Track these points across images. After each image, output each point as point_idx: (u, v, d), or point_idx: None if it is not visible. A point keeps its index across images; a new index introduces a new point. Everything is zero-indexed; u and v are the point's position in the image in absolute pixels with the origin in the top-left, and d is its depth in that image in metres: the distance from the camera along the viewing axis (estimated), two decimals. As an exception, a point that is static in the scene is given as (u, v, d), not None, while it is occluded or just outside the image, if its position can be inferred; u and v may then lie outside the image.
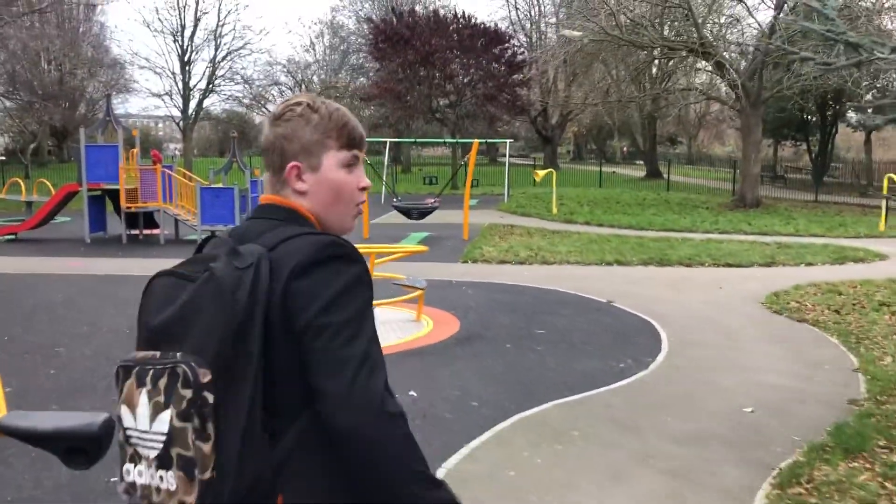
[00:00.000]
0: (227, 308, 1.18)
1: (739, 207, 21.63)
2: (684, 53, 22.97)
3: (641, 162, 50.17)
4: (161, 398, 1.19)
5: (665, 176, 37.00)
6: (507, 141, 26.47)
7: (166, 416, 1.18)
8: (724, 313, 8.35)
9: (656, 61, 30.91)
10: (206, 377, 1.16)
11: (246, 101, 45.59)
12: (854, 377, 5.97)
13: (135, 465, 1.23)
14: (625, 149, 65.92)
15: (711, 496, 3.94)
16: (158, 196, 14.53)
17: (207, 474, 1.15)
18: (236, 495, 1.17)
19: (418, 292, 7.77)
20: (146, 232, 15.57)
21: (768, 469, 4.21)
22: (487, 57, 31.84)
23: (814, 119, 33.18)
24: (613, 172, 40.53)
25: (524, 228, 16.75)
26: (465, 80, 32.34)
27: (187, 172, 17.10)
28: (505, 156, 29.32)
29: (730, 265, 11.82)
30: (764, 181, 26.78)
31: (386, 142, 26.07)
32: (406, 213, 16.44)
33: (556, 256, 12.49)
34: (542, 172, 20.20)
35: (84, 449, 1.40)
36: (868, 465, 4.19)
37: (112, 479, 3.79)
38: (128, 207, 14.61)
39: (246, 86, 43.96)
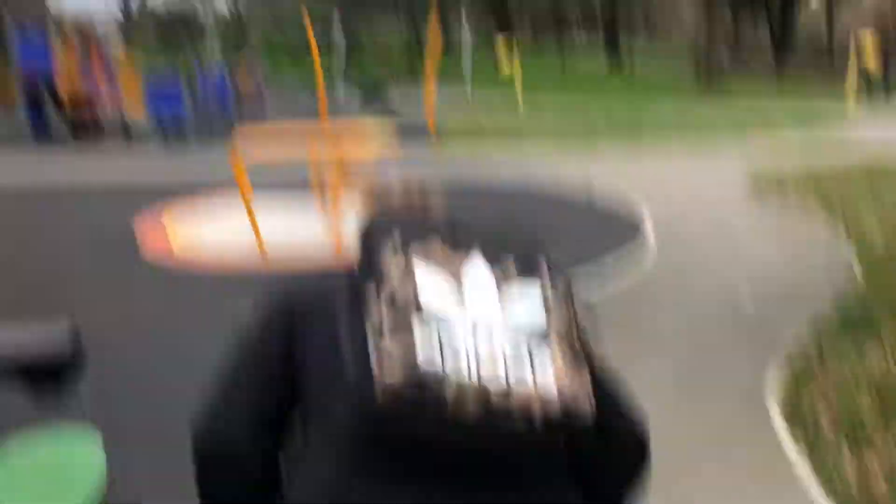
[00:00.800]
0: None
1: (707, 93, 21.33)
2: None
3: (600, 46, 49.19)
4: (513, 272, 0.96)
5: (626, 61, 36.39)
6: (466, 24, 25.37)
7: (536, 291, 0.96)
8: (711, 191, 8.30)
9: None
10: (562, 282, 1.00)
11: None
12: (848, 260, 5.86)
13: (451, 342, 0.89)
14: (583, 35, 64.32)
15: (726, 386, 3.79)
16: (101, 88, 13.59)
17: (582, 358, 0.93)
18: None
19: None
20: (89, 128, 14.67)
21: (779, 355, 4.07)
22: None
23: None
24: (574, 60, 39.58)
25: (490, 122, 16.23)
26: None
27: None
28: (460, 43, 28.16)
29: (706, 152, 11.66)
30: (725, 57, 26.36)
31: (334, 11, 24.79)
32: (368, 104, 15.70)
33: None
34: (506, 62, 19.45)
35: (51, 371, 1.08)
36: (878, 347, 4.07)
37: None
38: (68, 102, 13.66)
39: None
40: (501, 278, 0.95)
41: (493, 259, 0.96)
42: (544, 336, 0.91)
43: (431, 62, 15.02)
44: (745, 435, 3.32)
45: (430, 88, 15.24)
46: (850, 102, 15.90)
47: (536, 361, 0.88)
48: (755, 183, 8.83)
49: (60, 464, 3.11)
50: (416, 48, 24.17)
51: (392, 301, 0.90)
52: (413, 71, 24.13)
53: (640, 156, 11.21)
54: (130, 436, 3.46)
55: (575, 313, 0.96)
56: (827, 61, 28.84)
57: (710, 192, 8.50)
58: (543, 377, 0.87)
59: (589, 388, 0.90)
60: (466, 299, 0.91)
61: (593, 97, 20.43)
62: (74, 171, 10.75)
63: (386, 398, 0.86)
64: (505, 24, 40.60)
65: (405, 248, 0.95)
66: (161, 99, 13.26)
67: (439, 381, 0.86)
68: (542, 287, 0.95)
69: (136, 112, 13.55)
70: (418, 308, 0.89)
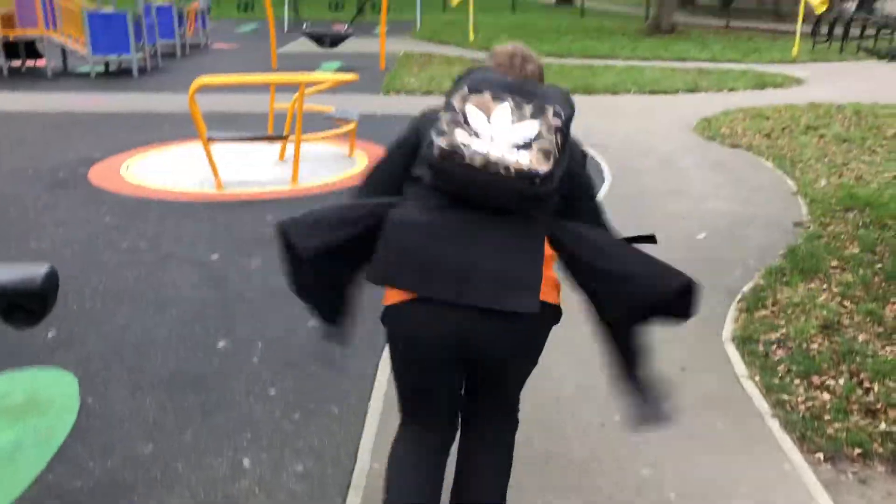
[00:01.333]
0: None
1: (655, 34, 21.35)
2: None
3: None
4: (527, 114, 1.78)
5: (577, 2, 36.13)
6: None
7: (534, 126, 1.77)
8: (658, 140, 8.29)
9: None
10: (561, 120, 1.80)
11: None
12: (794, 200, 6.06)
13: (470, 138, 1.76)
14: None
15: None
16: (39, 21, 12.99)
17: (554, 158, 1.76)
18: (559, 181, 1.81)
19: (351, 125, 7.31)
20: (29, 63, 14.05)
21: (732, 294, 4.25)
22: None
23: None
24: (524, -2, 39.21)
25: (443, 57, 16.03)
26: None
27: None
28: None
29: (655, 92, 11.71)
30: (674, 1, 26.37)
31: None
32: (318, 40, 15.42)
33: (481, 85, 12.04)
34: (457, -4, 19.16)
35: (26, 306, 1.20)
36: (825, 286, 4.27)
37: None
38: (4, 35, 13.03)
39: None
40: (517, 117, 1.77)
41: (517, 105, 1.78)
42: (528, 146, 1.74)
43: (385, 3, 14.73)
44: (700, 364, 3.49)
45: (383, 26, 14.97)
46: (795, 51, 16.16)
47: (520, 154, 1.73)
48: (704, 122, 8.98)
49: (36, 403, 3.15)
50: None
51: (452, 119, 1.78)
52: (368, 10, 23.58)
53: (590, 87, 11.29)
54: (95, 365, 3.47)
55: (559, 139, 1.78)
56: (773, 10, 29.21)
57: (659, 128, 8.62)
58: (520, 160, 1.73)
59: (547, 168, 1.75)
60: (492, 124, 1.75)
61: (545, 36, 20.32)
62: (14, 102, 10.33)
63: (439, 155, 1.76)
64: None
65: (465, 95, 1.80)
66: (104, 35, 12.69)
67: (465, 151, 1.74)
68: (541, 123, 1.76)
69: (80, 46, 12.97)
70: (465, 122, 1.76)
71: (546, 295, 1.86)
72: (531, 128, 1.76)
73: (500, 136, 1.75)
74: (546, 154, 1.75)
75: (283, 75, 8.79)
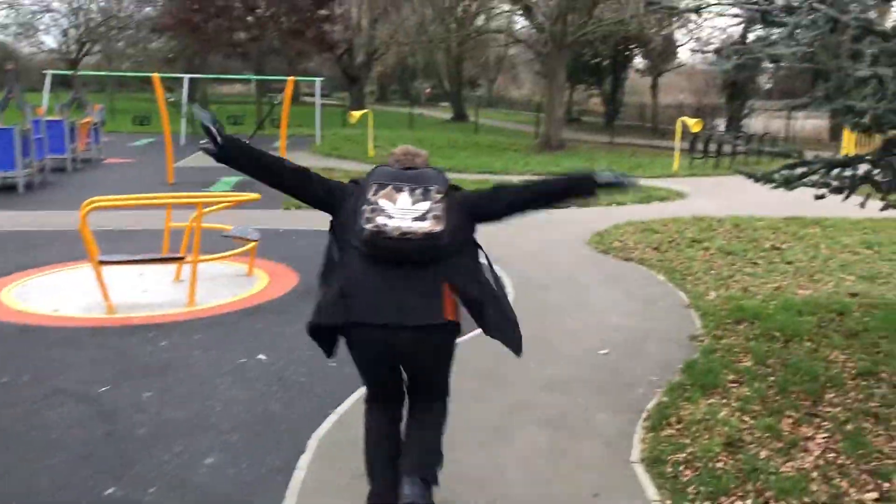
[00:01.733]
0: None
1: (546, 150, 22.48)
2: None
3: (446, 104, 50.84)
4: (420, 196, 2.76)
5: (471, 118, 37.79)
6: (319, 79, 25.49)
7: (426, 204, 2.74)
8: (556, 254, 8.55)
9: (458, 3, 31.05)
10: (440, 194, 2.79)
11: (12, 28, 40.37)
12: (687, 313, 6.31)
13: (387, 220, 2.71)
14: (428, 90, 66.46)
15: (591, 444, 3.94)
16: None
17: (444, 220, 2.73)
18: (449, 238, 2.78)
19: (251, 245, 7.20)
20: None
21: (637, 412, 4.30)
22: (291, -12, 30.32)
23: (605, 64, 35.11)
24: (421, 114, 40.71)
25: (343, 171, 16.23)
26: (268, 14, 30.64)
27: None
28: (310, 95, 28.29)
29: (550, 206, 12.18)
30: (562, 120, 27.99)
31: (184, 77, 24.16)
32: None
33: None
34: (357, 113, 19.64)
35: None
36: (724, 401, 4.40)
37: None
38: None
39: (11, 10, 38.85)
40: (413, 199, 2.71)
41: (412, 191, 2.73)
42: (425, 217, 2.68)
43: (285, 114, 14.93)
44: (612, 489, 3.48)
45: (283, 140, 15.10)
46: (675, 166, 17.31)
47: (422, 224, 2.68)
48: (597, 236, 9.36)
49: None
50: (268, 105, 24.04)
51: (372, 210, 2.71)
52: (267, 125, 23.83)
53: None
54: None
55: (444, 205, 2.74)
56: (651, 128, 31.44)
57: (556, 241, 8.92)
58: (423, 227, 2.68)
59: (441, 227, 2.72)
60: (398, 207, 2.69)
61: (442, 152, 21.03)
62: None
63: (367, 236, 2.70)
64: (354, 79, 41.12)
65: (375, 191, 2.75)
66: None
67: (385, 229, 2.68)
68: (430, 199, 2.72)
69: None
70: (381, 210, 2.70)
71: (448, 315, 2.84)
72: (424, 205, 2.76)
73: (404, 213, 2.73)
74: (437, 219, 2.75)
75: (180, 195, 8.64)
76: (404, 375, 3.06)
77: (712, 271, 7.70)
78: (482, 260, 3.01)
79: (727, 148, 19.03)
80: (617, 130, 28.82)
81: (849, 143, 21.24)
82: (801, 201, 13.50)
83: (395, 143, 15.53)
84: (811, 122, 29.77)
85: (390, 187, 2.76)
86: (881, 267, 7.95)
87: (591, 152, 22.29)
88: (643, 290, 7.03)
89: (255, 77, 24.44)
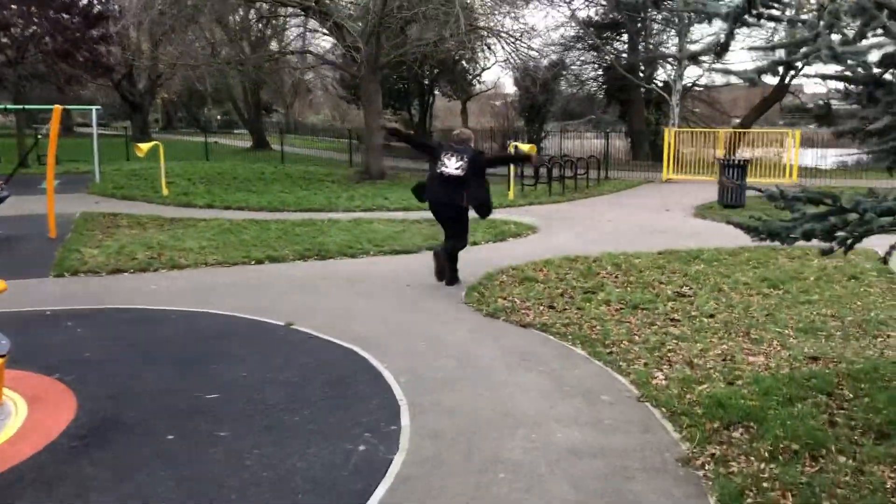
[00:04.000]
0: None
1: (366, 179, 20.64)
2: (297, 10, 21.00)
3: (242, 131, 47.56)
4: (457, 159, 7.89)
5: (273, 146, 35.24)
6: (95, 108, 21.91)
7: (460, 163, 7.83)
8: (436, 326, 6.68)
9: (256, 22, 28.54)
10: (467, 159, 7.93)
11: None
12: (647, 413, 4.68)
13: (443, 167, 7.93)
14: (218, 117, 62.46)
15: None
16: None
17: (464, 170, 7.86)
18: (467, 176, 7.90)
19: (-4, 360, 4.65)
20: None
21: None
22: (55, 5, 26.17)
23: (412, 87, 34.01)
24: (216, 143, 37.40)
25: (133, 217, 13.34)
26: (28, 33, 26.26)
27: None
28: (86, 125, 24.45)
29: (396, 252, 10.31)
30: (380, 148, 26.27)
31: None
32: (-42, 205, 11.92)
33: (189, 256, 9.70)
34: (145, 146, 16.64)
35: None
36: None
37: None
38: None
39: None
40: (455, 159, 7.89)
41: (454, 155, 7.92)
42: (463, 168, 7.82)
43: (52, 149, 11.87)
44: None
45: (51, 181, 12.01)
46: (511, 195, 16.17)
47: (459, 171, 7.84)
48: (474, 292, 7.64)
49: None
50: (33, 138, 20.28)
51: (441, 161, 8.01)
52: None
53: (324, 249, 9.58)
54: None
55: (474, 168, 7.88)
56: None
57: (424, 302, 7.10)
58: (456, 172, 7.86)
59: (462, 173, 7.84)
60: (449, 163, 7.90)
61: (251, 186, 18.51)
62: None
63: (440, 170, 8.01)
64: (136, 106, 37.05)
65: (443, 153, 8.08)
66: None
67: (443, 170, 7.93)
68: (465, 161, 7.83)
69: None
70: (444, 162, 7.97)
71: (461, 202, 7.91)
72: (460, 163, 7.78)
73: (451, 165, 7.79)
74: (462, 169, 7.73)
75: None
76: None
77: (635, 336, 6.19)
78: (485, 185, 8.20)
79: (555, 173, 18.26)
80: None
81: (668, 166, 21.40)
82: (650, 228, 12.66)
83: (192, 179, 12.80)
84: (600, 142, 30.16)
85: (448, 152, 7.94)
86: (806, 313, 6.87)
87: (415, 181, 20.69)
88: (571, 376, 5.33)
89: (12, 107, 20.43)
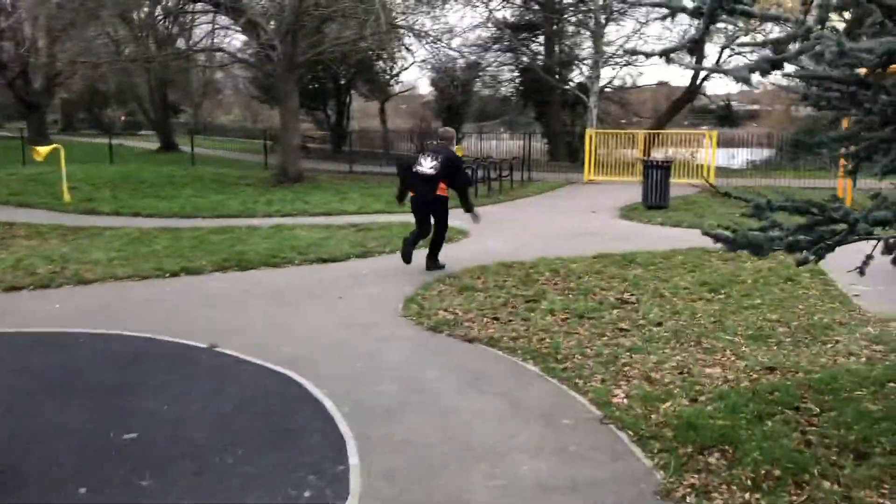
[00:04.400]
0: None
1: (283, 182, 19.86)
2: (207, 6, 20.04)
3: (148, 132, 45.59)
4: (432, 160, 8.93)
5: (182, 148, 33.90)
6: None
7: (434, 163, 8.86)
8: (373, 342, 6.22)
9: (163, 19, 27.22)
10: (440, 159, 9.00)
11: None
12: (612, 436, 4.36)
13: (419, 167, 9.00)
14: (122, 117, 59.78)
15: None
16: None
17: (437, 170, 8.98)
18: (439, 174, 8.93)
19: None
20: None
21: None
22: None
23: (329, 87, 33.22)
24: (121, 145, 35.61)
25: (31, 227, 12.28)
26: None
27: None
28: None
29: (324, 260, 9.77)
30: (297, 150, 25.44)
31: None
32: None
33: (97, 269, 8.89)
34: (44, 149, 15.45)
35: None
36: None
37: None
38: None
39: None
40: (430, 159, 8.93)
41: (430, 155, 9.02)
42: (436, 168, 8.83)
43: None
44: None
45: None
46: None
47: (432, 170, 8.85)
48: (412, 303, 7.22)
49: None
50: None
51: (418, 162, 9.12)
52: None
53: (244, 259, 8.97)
54: None
55: (446, 167, 8.85)
56: (384, 154, 30.06)
57: (358, 315, 6.63)
58: (430, 170, 8.87)
59: (435, 172, 8.86)
60: (424, 163, 8.93)
61: (160, 191, 17.52)
62: None
63: (416, 171, 9.05)
64: (32, 106, 34.93)
65: (421, 155, 9.37)
66: None
67: (419, 169, 8.97)
68: (438, 162, 8.85)
69: None
70: (420, 163, 9.05)
71: (440, 192, 8.95)
72: (433, 163, 8.81)
73: (426, 165, 8.83)
74: (435, 168, 8.76)
75: None
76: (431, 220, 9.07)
77: (586, 349, 5.89)
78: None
79: (479, 175, 17.99)
80: (348, 157, 26.87)
81: (590, 167, 21.50)
82: (579, 231, 12.58)
83: (95, 184, 11.73)
84: (516, 143, 30.15)
85: (426, 154, 9.08)
86: (752, 319, 6.75)
87: (335, 184, 20.08)
88: (527, 397, 4.97)
89: None
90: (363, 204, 15.42)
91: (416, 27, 20.31)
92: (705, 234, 3.63)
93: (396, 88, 35.60)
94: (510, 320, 6.74)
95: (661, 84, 44.99)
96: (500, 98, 38.64)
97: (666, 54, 3.63)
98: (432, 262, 9.07)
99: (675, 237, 11.38)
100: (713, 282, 8.08)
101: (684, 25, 25.02)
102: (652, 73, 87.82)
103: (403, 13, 21.33)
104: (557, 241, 11.12)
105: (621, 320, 6.71)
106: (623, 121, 36.17)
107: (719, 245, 3.72)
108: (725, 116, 42.91)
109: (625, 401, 4.83)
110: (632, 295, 7.65)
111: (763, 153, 28.57)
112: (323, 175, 22.62)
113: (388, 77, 33.02)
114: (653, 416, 4.55)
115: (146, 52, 24.88)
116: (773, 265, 8.90)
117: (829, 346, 6.02)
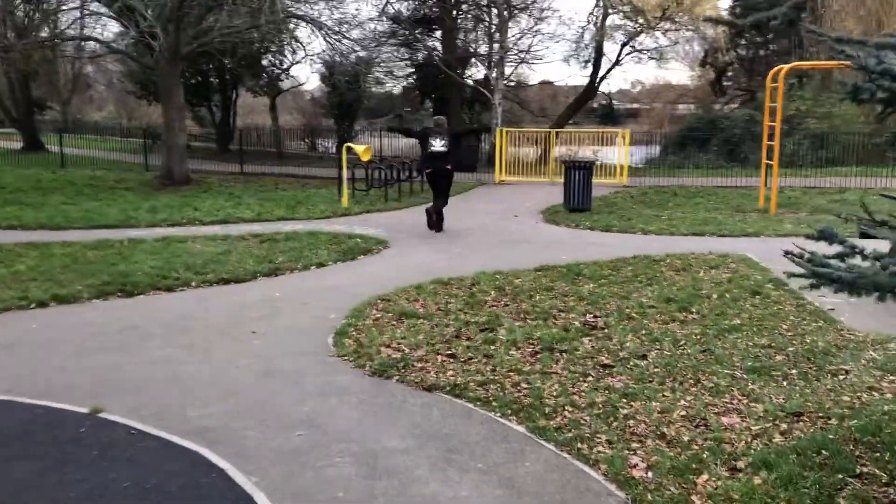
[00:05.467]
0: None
1: (168, 186, 17.97)
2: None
3: (9, 131, 41.55)
4: (441, 139, 11.70)
5: (50, 147, 30.91)
6: None
7: (444, 142, 11.68)
8: (307, 396, 4.94)
9: (23, 3, 24.43)
10: (447, 138, 11.95)
11: None
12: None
13: (433, 146, 11.76)
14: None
15: None
16: None
17: (447, 146, 11.79)
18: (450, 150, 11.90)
19: None
20: None
21: None
22: None
23: (212, 82, 31.03)
24: (-23, 144, 32.06)
25: None
26: None
27: None
28: None
29: (226, 281, 8.32)
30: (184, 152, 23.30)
31: None
32: None
33: (-63, 302, 7.13)
34: None
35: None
36: None
37: None
38: None
39: None
40: (440, 140, 11.66)
41: (438, 137, 11.69)
42: (444, 145, 11.68)
43: None
44: None
45: None
46: (346, 202, 14.51)
47: (444, 147, 11.71)
48: (343, 337, 5.99)
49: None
50: None
51: (430, 142, 11.76)
52: None
53: (127, 281, 7.46)
54: None
55: (448, 140, 11.75)
56: (277, 154, 28.21)
57: (277, 355, 5.37)
58: (442, 148, 11.70)
59: (446, 148, 11.73)
60: (436, 143, 11.68)
61: (25, 197, 15.35)
62: None
63: (430, 150, 11.82)
64: None
65: (430, 136, 11.86)
66: None
67: (433, 149, 11.75)
68: (446, 140, 11.69)
69: None
70: (431, 143, 11.75)
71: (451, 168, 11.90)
72: (443, 142, 11.60)
73: (438, 144, 11.58)
74: (446, 145, 11.62)
75: None
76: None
77: (574, 397, 4.85)
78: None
79: (388, 176, 16.79)
80: (237, 157, 24.89)
81: (501, 168, 20.65)
82: (507, 238, 11.84)
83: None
84: (412, 141, 29.05)
85: (434, 134, 11.72)
86: (742, 345, 5.91)
87: (226, 187, 18.30)
88: (524, 475, 3.85)
89: None
90: (262, 210, 13.89)
91: (315, 17, 18.80)
92: (791, 275, 2.61)
93: (286, 84, 33.69)
94: (470, 357, 5.61)
95: (545, 84, 44.99)
96: (395, 95, 37.44)
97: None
98: (440, 222, 11.87)
99: (611, 244, 10.60)
100: (677, 298, 7.23)
101: (581, 23, 24.56)
102: (543, 71, 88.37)
103: (297, 1, 19.77)
104: (489, 251, 10.11)
105: (599, 353, 5.71)
106: (523, 121, 35.70)
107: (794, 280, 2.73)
108: (608, 115, 43.38)
109: (649, 474, 3.81)
110: (596, 317, 6.69)
111: (654, 150, 28.60)
112: (212, 177, 20.72)
113: (277, 72, 31.13)
114: (693, 497, 3.55)
115: (4, 40, 22.13)
116: (731, 276, 8.19)
117: (841, 377, 5.24)
